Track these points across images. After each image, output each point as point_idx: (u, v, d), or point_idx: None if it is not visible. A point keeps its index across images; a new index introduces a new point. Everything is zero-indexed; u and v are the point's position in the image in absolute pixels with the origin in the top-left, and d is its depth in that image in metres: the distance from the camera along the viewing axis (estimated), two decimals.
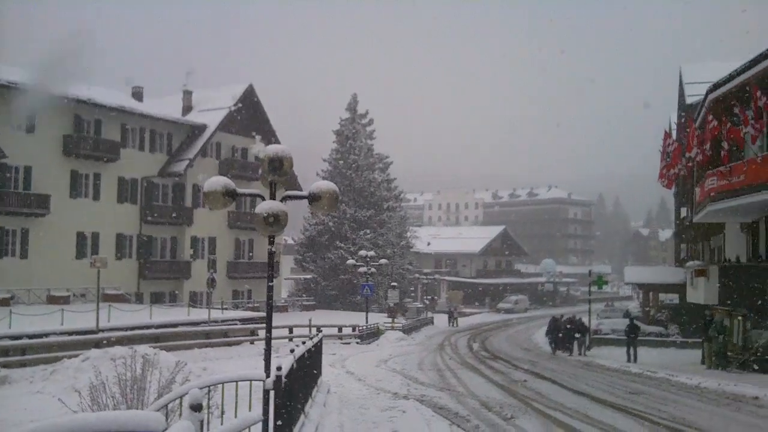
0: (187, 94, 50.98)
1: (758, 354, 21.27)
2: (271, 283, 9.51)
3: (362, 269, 41.81)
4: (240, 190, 9.29)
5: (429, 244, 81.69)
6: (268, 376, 8.38)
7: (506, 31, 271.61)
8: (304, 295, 59.76)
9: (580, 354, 32.66)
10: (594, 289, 41.55)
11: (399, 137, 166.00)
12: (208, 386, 8.42)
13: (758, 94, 20.13)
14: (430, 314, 55.59)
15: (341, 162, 60.43)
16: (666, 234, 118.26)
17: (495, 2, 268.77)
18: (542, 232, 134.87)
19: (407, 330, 42.67)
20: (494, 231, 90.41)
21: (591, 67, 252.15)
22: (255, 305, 47.41)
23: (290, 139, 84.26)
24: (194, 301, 44.21)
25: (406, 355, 30.32)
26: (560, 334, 33.91)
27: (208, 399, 8.40)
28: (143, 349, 16.58)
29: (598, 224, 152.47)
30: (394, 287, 48.13)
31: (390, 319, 43.40)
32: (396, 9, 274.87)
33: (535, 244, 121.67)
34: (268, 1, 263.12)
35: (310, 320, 35.12)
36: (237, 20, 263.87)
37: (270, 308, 9.48)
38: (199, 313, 34.40)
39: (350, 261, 46.08)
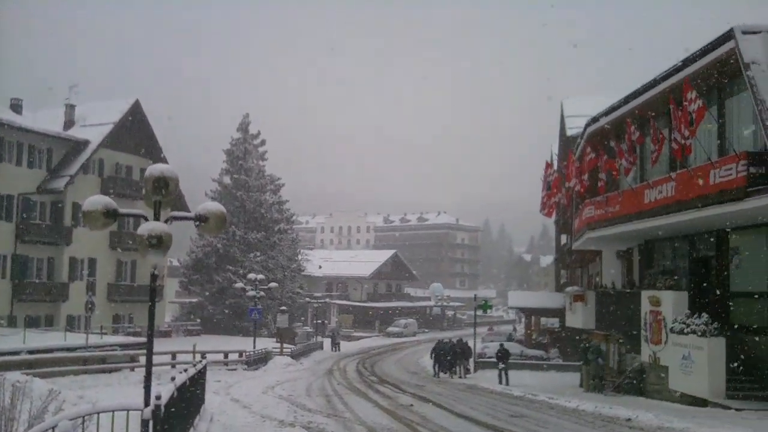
0: (70, 108, 48.80)
1: (632, 377, 22.33)
2: (152, 307, 9.20)
3: (251, 293, 41.06)
4: (122, 210, 8.95)
5: (320, 267, 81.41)
6: (147, 405, 8.06)
7: (403, 55, 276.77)
8: (189, 320, 58.05)
9: (460, 377, 33.41)
10: (479, 312, 42.58)
11: (292, 159, 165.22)
12: (83, 416, 8.01)
13: (632, 129, 21.36)
14: (320, 339, 55.20)
15: (231, 182, 59.45)
16: (547, 260, 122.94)
17: (394, 29, 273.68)
18: (431, 257, 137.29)
19: (296, 355, 42.17)
20: (385, 255, 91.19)
21: (481, 97, 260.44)
22: (136, 330, 45.60)
23: (179, 157, 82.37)
24: (72, 325, 42.08)
25: (294, 380, 29.95)
26: (447, 357, 34.57)
27: (83, 430, 7.98)
28: (14, 376, 15.55)
29: (484, 249, 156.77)
30: (283, 311, 47.58)
31: (278, 344, 42.79)
32: (296, 27, 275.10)
33: (425, 268, 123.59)
34: (163, 11, 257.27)
35: (194, 346, 34.13)
36: (128, 31, 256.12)
37: (151, 333, 9.16)
38: (77, 338, 32.76)
39: (238, 284, 45.16)
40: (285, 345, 43.10)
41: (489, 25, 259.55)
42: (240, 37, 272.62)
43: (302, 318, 68.23)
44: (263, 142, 61.79)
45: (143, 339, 34.66)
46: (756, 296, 18.26)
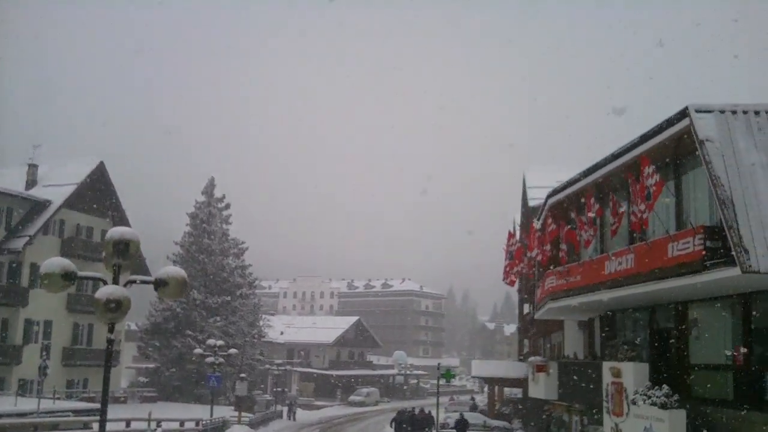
0: (33, 167, 48.40)
1: None
2: (107, 374, 9.01)
3: (210, 359, 40.24)
4: (81, 273, 8.86)
5: (282, 333, 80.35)
6: None
7: (360, 121, 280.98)
8: (145, 386, 56.48)
9: None
10: (443, 382, 42.22)
11: (257, 223, 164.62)
12: None
13: (592, 201, 21.82)
14: (279, 407, 54.06)
15: (194, 246, 58.92)
16: (511, 328, 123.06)
17: (368, 91, 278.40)
18: (395, 324, 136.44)
19: (255, 424, 41.22)
20: (348, 321, 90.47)
21: (447, 169, 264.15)
22: (91, 395, 44.26)
23: (141, 219, 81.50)
24: (24, 389, 40.72)
25: None
26: (408, 428, 34.08)
27: None
28: None
29: (448, 317, 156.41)
30: (242, 379, 46.61)
31: (237, 413, 41.76)
32: (268, 88, 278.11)
33: (388, 336, 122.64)
34: (130, 71, 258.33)
35: (149, 413, 33.18)
36: (90, 88, 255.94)
37: (105, 399, 8.95)
38: (28, 403, 31.73)
39: (197, 350, 44.27)
40: (243, 414, 42.10)
41: (457, 100, 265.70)
42: (210, 98, 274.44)
43: (262, 386, 66.90)
44: (228, 206, 61.68)
45: (97, 405, 33.68)
46: (715, 368, 18.47)
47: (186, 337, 54.95)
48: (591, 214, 21.79)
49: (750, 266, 14.67)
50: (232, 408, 45.07)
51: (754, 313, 16.96)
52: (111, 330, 8.96)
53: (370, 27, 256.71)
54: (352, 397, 71.06)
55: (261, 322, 64.48)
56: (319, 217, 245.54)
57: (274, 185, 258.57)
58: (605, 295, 21.26)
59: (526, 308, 46.89)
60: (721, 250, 15.69)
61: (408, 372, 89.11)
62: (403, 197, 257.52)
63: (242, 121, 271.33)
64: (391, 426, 35.41)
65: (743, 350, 17.16)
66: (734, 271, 15.01)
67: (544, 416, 27.37)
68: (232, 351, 44.98)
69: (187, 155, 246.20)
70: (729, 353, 17.98)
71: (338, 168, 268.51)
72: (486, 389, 61.34)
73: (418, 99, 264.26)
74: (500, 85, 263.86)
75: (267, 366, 65.73)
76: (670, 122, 17.75)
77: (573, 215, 23.29)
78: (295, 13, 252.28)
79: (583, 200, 22.64)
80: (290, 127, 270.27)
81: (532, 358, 31.90)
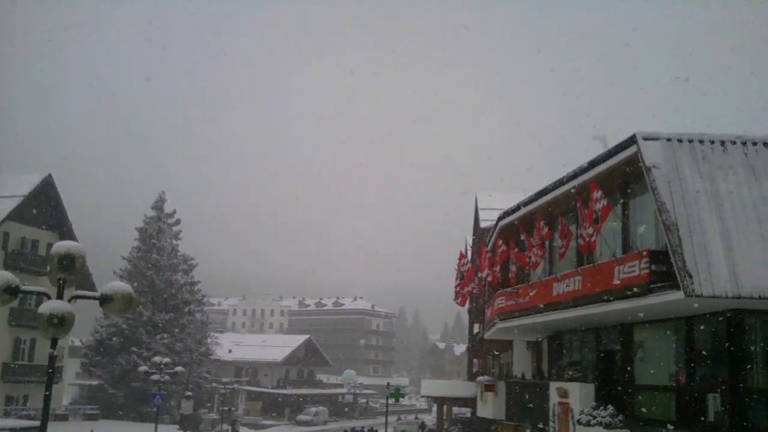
0: None
1: None
2: (49, 391, 8.78)
3: (155, 377, 39.37)
4: (24, 287, 8.66)
5: (230, 351, 79.27)
6: None
7: (316, 139, 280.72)
8: (88, 403, 55.01)
9: None
10: (392, 401, 42.16)
11: (207, 239, 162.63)
12: None
13: (541, 224, 22.17)
14: (226, 426, 53.20)
15: (142, 261, 57.88)
16: (461, 348, 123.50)
17: (320, 111, 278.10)
18: (346, 343, 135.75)
19: None
20: (298, 340, 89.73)
21: (398, 187, 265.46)
22: (31, 413, 42.89)
23: (90, 233, 79.85)
24: None
25: None
26: None
27: None
28: None
29: (399, 336, 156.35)
30: (188, 397, 45.81)
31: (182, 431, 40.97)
32: (221, 103, 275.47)
33: (339, 354, 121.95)
34: (80, 83, 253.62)
35: (91, 431, 32.34)
36: (42, 102, 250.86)
37: (46, 417, 8.72)
38: None
39: (142, 367, 43.30)
40: None
41: (412, 120, 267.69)
42: (162, 112, 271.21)
43: (208, 404, 65.76)
44: (178, 221, 60.83)
45: (37, 423, 32.65)
46: (659, 389, 18.86)
47: (131, 354, 53.78)
48: (541, 235, 22.12)
49: (693, 290, 15.07)
50: (177, 427, 44.18)
51: (696, 335, 17.40)
52: (54, 346, 8.74)
53: (317, 47, 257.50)
54: (300, 417, 70.37)
55: (209, 340, 63.54)
56: (271, 235, 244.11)
57: (225, 202, 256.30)
58: (553, 317, 21.56)
59: (476, 328, 47.20)
60: (666, 274, 16.09)
61: (358, 391, 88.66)
62: (356, 216, 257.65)
63: (196, 138, 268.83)
64: None
65: (686, 372, 17.59)
66: (678, 295, 15.39)
67: None
68: (179, 369, 44.09)
69: (140, 169, 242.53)
70: (672, 375, 18.41)
71: (291, 188, 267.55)
72: (434, 408, 61.33)
73: (371, 119, 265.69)
74: (460, 106, 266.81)
75: (214, 384, 64.68)
76: (618, 148, 18.19)
77: (523, 237, 23.61)
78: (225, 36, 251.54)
79: (533, 223, 22.98)
80: (246, 144, 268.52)
81: (480, 378, 32.07)
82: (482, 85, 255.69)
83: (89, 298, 9.19)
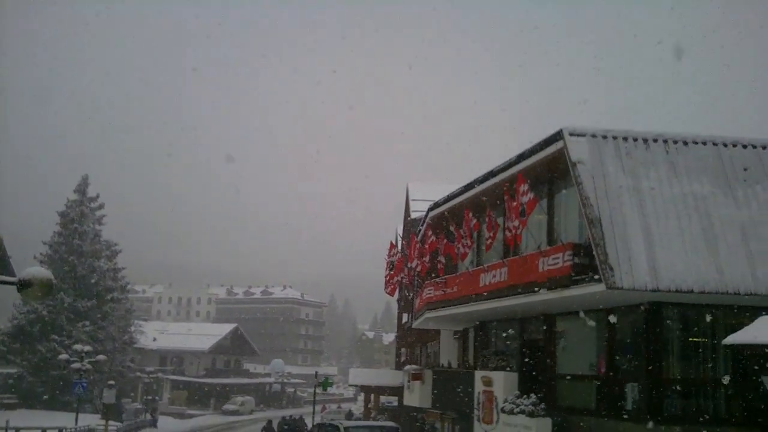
0: None
1: None
2: None
3: (76, 365, 38.29)
4: None
5: (155, 339, 77.70)
6: None
7: (256, 125, 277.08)
8: (5, 393, 53.03)
9: None
10: (320, 390, 42.16)
11: (132, 225, 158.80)
12: None
13: (470, 215, 22.49)
14: (150, 416, 52.23)
15: (64, 246, 56.04)
16: (390, 337, 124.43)
17: (251, 97, 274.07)
18: (274, 332, 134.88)
19: None
20: (225, 329, 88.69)
21: (330, 175, 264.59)
22: None
23: (8, 216, 76.94)
24: None
25: None
26: None
27: None
28: None
29: (328, 325, 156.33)
30: (111, 386, 44.67)
31: (104, 421, 39.97)
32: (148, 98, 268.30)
33: (267, 344, 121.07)
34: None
35: (7, 422, 31.31)
36: None
37: None
38: None
39: (63, 356, 42.07)
40: (111, 422, 40.34)
41: (349, 106, 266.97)
42: (89, 96, 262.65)
43: (132, 394, 64.39)
44: (102, 206, 59.06)
45: None
46: (580, 378, 19.44)
47: (51, 342, 52.08)
48: (470, 226, 22.44)
49: (614, 282, 15.56)
50: (99, 416, 43.13)
51: (617, 327, 17.98)
52: None
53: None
54: (226, 406, 69.67)
55: (133, 328, 62.11)
56: (199, 222, 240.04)
57: (152, 188, 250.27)
58: (479, 307, 21.93)
59: (405, 318, 47.63)
60: (588, 267, 16.57)
61: (285, 380, 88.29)
62: (286, 205, 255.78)
63: (122, 120, 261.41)
64: None
65: (606, 362, 18.18)
66: (600, 287, 15.87)
67: (417, 424, 27.81)
68: (101, 357, 43.03)
69: (63, 152, 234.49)
70: (593, 364, 19.00)
71: (220, 174, 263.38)
72: (360, 397, 61.71)
73: (307, 105, 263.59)
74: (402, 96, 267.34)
75: (138, 373, 63.34)
76: (545, 143, 18.58)
77: (452, 228, 23.91)
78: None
79: (462, 214, 23.28)
80: (173, 129, 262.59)
81: (408, 367, 32.40)
82: (419, 77, 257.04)
83: (7, 283, 8.88)
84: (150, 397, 59.35)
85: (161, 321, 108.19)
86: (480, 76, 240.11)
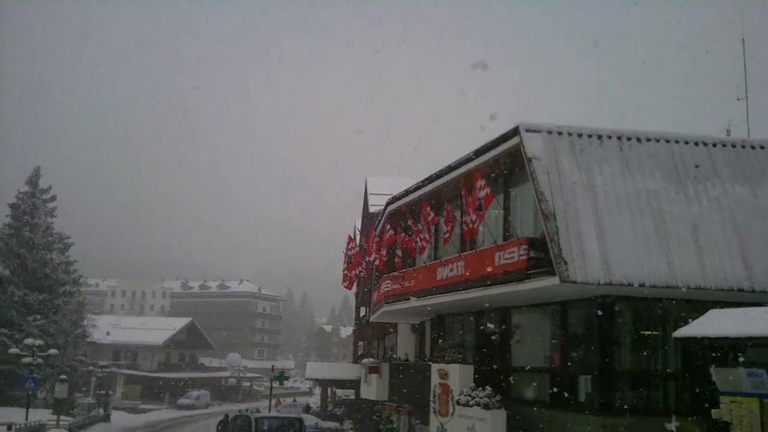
0: None
1: None
2: None
3: (27, 360, 37.53)
4: None
5: (108, 334, 76.47)
6: None
7: (201, 116, 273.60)
8: None
9: None
10: (276, 384, 42.00)
11: (84, 218, 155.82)
12: None
13: (428, 210, 22.63)
14: (102, 411, 51.47)
15: (14, 239, 54.72)
16: (347, 331, 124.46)
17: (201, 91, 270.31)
18: (231, 326, 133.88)
19: (75, 428, 39.03)
20: (180, 323, 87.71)
21: (286, 169, 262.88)
22: None
23: None
24: None
25: None
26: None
27: None
28: None
29: (285, 319, 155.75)
30: (63, 380, 43.87)
31: (55, 416, 39.25)
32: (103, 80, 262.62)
33: (223, 338, 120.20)
34: None
35: None
36: None
37: None
38: None
39: (14, 350, 41.18)
40: (62, 417, 39.64)
41: (304, 107, 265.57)
42: (42, 86, 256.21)
43: (84, 388, 63.30)
44: (54, 198, 57.82)
45: None
46: (534, 371, 19.75)
47: (1, 336, 50.86)
48: (428, 220, 22.59)
49: (568, 276, 15.85)
50: (51, 411, 42.33)
51: (570, 320, 18.32)
52: None
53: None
54: (181, 400, 69.00)
55: (85, 322, 60.99)
56: (154, 215, 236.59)
57: (104, 180, 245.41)
58: (436, 300, 22.12)
59: (363, 311, 47.74)
60: (543, 261, 16.84)
61: (242, 374, 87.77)
62: (243, 197, 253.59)
63: (76, 110, 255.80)
64: (217, 431, 34.44)
65: (560, 354, 18.51)
66: (554, 281, 16.15)
67: (374, 417, 27.93)
68: (52, 351, 42.28)
69: (13, 142, 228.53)
70: (547, 357, 19.32)
71: (174, 166, 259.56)
72: (316, 390, 61.69)
73: (261, 96, 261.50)
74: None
75: (90, 368, 62.27)
76: (502, 139, 18.80)
77: (410, 222, 24.03)
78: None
79: (420, 209, 23.41)
80: (127, 120, 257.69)
81: (365, 360, 32.46)
82: (382, 68, 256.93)
83: None
84: (103, 392, 58.40)
85: (114, 315, 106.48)
86: (445, 74, 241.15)
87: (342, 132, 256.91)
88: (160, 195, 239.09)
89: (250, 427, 21.18)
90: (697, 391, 15.62)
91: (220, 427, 34.28)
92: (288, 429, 21.30)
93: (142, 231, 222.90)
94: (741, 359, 13.64)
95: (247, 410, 37.59)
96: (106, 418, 49.37)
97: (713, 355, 14.10)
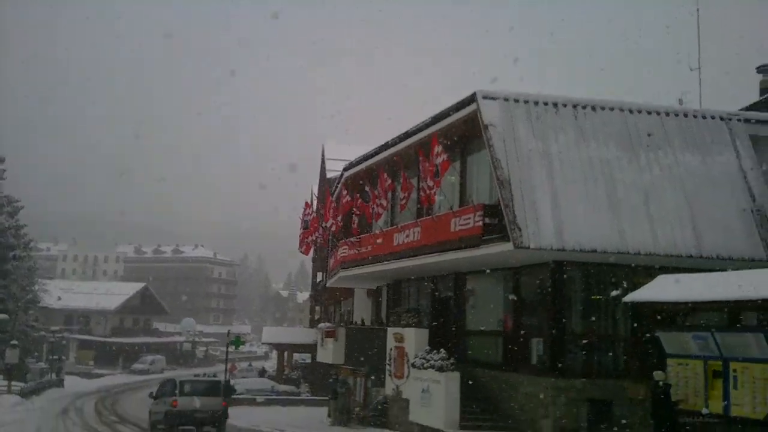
0: None
1: (377, 410, 23.27)
2: None
3: None
4: None
5: (60, 299, 75.22)
6: None
7: (157, 75, 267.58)
8: None
9: None
10: (232, 348, 41.95)
11: (34, 181, 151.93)
12: None
13: (385, 176, 22.66)
14: (55, 376, 50.95)
15: None
16: (304, 296, 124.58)
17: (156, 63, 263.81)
18: (186, 291, 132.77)
19: (27, 393, 38.52)
20: (134, 288, 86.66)
21: (244, 125, 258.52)
22: None
23: None
24: None
25: (22, 422, 27.25)
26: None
27: None
28: None
29: (241, 285, 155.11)
30: (14, 346, 43.18)
31: (6, 382, 38.71)
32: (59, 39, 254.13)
33: (178, 303, 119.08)
34: None
35: None
36: None
37: None
38: None
39: None
40: (14, 383, 39.11)
41: (260, 66, 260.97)
42: None
43: (36, 354, 62.40)
44: (2, 160, 56.28)
45: None
46: (488, 334, 20.13)
47: None
48: (384, 186, 22.63)
49: (522, 242, 16.11)
50: (2, 377, 41.75)
51: (523, 285, 18.66)
52: None
53: None
54: (135, 365, 68.53)
55: (36, 287, 59.92)
56: (105, 177, 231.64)
57: (55, 141, 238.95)
58: (393, 266, 22.30)
59: (320, 277, 47.82)
60: (498, 227, 17.07)
61: (197, 339, 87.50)
62: (197, 159, 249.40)
63: (22, 69, 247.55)
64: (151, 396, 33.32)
65: (512, 318, 18.88)
66: (508, 246, 16.40)
67: (330, 380, 28.14)
68: (2, 317, 41.61)
69: None
70: (500, 321, 19.69)
71: (127, 128, 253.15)
72: (274, 355, 61.84)
73: (219, 49, 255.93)
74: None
75: (42, 333, 61.32)
76: (459, 105, 18.85)
77: (367, 188, 24.06)
78: None
79: (377, 174, 23.44)
80: (79, 78, 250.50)
81: (321, 325, 32.63)
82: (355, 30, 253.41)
83: None
84: (55, 357, 57.69)
85: (66, 280, 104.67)
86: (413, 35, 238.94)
87: (304, 94, 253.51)
88: (112, 158, 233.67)
89: (175, 388, 23.63)
90: (645, 354, 16.10)
91: (155, 391, 33.76)
92: (207, 390, 23.93)
93: (94, 195, 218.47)
94: (687, 323, 14.11)
95: (204, 374, 37.62)
96: (59, 383, 48.90)
97: (661, 319, 14.54)
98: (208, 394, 23.71)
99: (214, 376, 36.34)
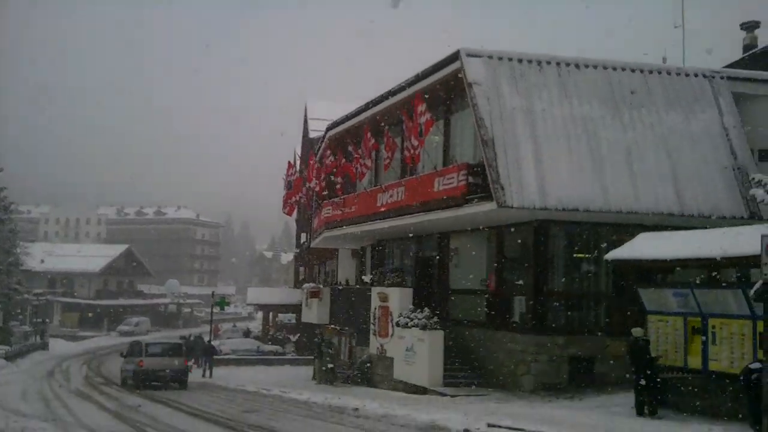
0: None
1: (362, 368, 23.51)
2: None
3: None
4: None
5: (42, 261, 74.85)
6: None
7: (140, 42, 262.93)
8: None
9: (203, 376, 31.97)
10: (217, 309, 42.07)
11: (14, 142, 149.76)
12: None
13: (368, 135, 22.53)
14: (39, 339, 50.95)
15: None
16: (288, 257, 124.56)
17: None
18: (169, 253, 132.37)
19: (11, 356, 38.54)
20: (117, 250, 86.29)
21: (226, 84, 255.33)
22: None
23: None
24: None
25: (8, 384, 27.28)
26: None
27: None
28: None
29: (225, 246, 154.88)
30: None
31: None
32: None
33: (162, 265, 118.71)
34: None
35: None
36: None
37: None
38: None
39: None
40: None
41: (239, 27, 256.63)
42: None
43: (20, 317, 62.26)
44: None
45: None
46: (471, 293, 20.28)
47: None
48: (368, 146, 22.52)
49: (505, 201, 16.13)
50: None
51: (506, 244, 18.75)
52: None
53: None
54: (120, 327, 68.60)
55: (18, 249, 59.49)
56: (87, 137, 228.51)
57: (37, 104, 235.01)
58: (377, 226, 22.31)
59: (304, 237, 47.86)
60: (481, 186, 17.07)
61: (181, 301, 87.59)
62: (179, 122, 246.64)
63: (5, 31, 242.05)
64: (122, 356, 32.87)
65: (496, 277, 19.00)
66: (491, 206, 16.43)
67: (315, 339, 28.34)
68: None
69: None
70: (483, 280, 19.83)
71: (109, 90, 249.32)
72: (258, 316, 62.04)
73: (203, 16, 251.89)
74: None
75: (25, 296, 61.09)
76: (443, 63, 18.68)
77: (351, 148, 23.92)
78: None
79: (360, 134, 23.30)
80: (60, 41, 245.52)
81: (306, 285, 32.71)
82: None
83: None
84: (39, 320, 57.63)
85: (49, 242, 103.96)
86: None
87: (285, 52, 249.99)
88: (94, 119, 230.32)
89: (141, 349, 26.14)
90: (627, 310, 16.29)
91: (125, 351, 33.66)
92: (171, 351, 26.47)
93: (75, 157, 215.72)
94: (668, 281, 14.26)
95: (190, 335, 37.78)
96: (44, 346, 48.93)
97: (642, 276, 14.69)
98: (172, 354, 26.26)
99: (200, 336, 36.49)
